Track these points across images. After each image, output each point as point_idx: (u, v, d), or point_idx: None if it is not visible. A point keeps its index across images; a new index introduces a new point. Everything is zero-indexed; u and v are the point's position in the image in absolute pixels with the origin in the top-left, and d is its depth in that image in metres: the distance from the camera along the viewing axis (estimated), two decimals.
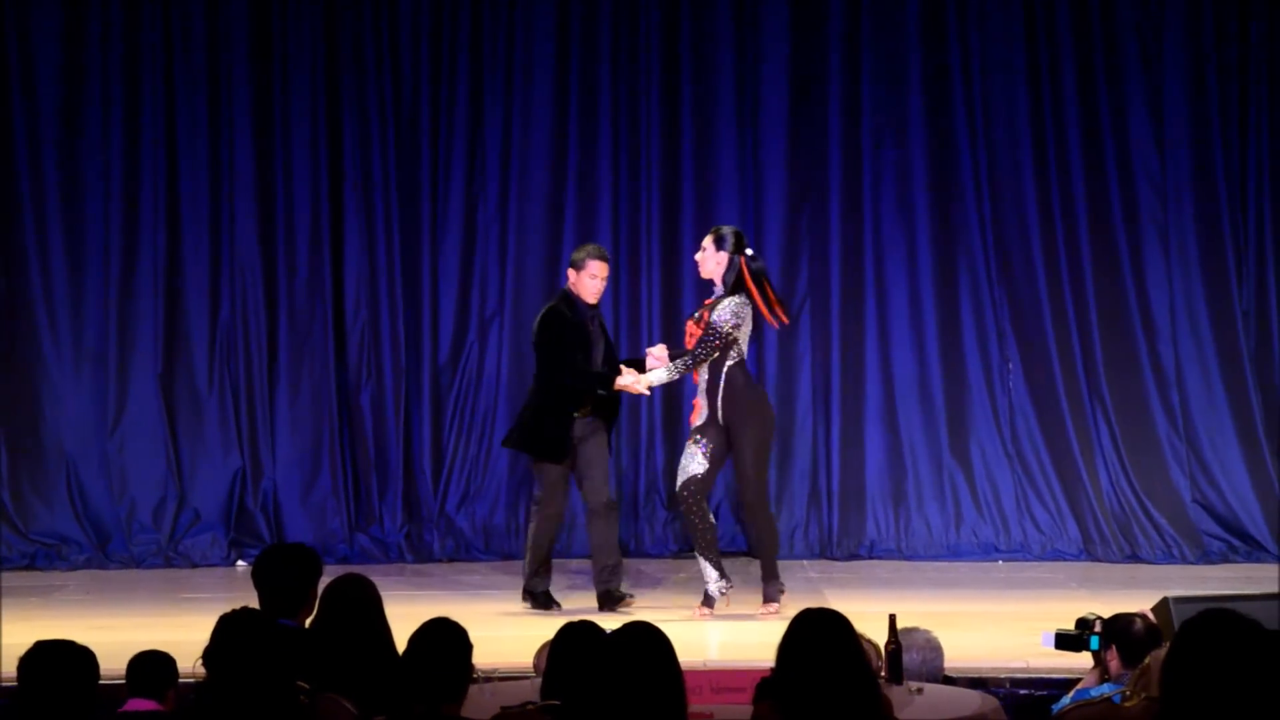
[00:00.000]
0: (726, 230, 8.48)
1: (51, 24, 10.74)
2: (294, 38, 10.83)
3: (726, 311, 8.32)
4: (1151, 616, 5.88)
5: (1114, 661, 5.63)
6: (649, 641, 4.07)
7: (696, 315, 8.52)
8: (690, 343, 8.45)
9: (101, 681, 4.56)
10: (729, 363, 8.33)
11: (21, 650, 4.54)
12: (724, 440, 8.40)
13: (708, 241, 8.44)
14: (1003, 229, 10.89)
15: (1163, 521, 10.61)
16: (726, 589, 8.43)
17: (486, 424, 10.89)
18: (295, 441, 10.87)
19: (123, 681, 5.34)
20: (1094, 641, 5.74)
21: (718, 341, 8.29)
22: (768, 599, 8.42)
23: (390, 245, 10.88)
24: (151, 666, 5.28)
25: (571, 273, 8.77)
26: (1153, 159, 10.83)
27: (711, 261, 8.40)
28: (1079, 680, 5.91)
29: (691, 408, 8.65)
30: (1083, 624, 5.83)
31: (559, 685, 4.80)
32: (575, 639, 4.95)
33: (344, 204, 10.90)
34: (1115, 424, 10.73)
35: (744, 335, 8.38)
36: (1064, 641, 5.87)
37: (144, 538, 10.68)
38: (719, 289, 8.40)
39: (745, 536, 10.29)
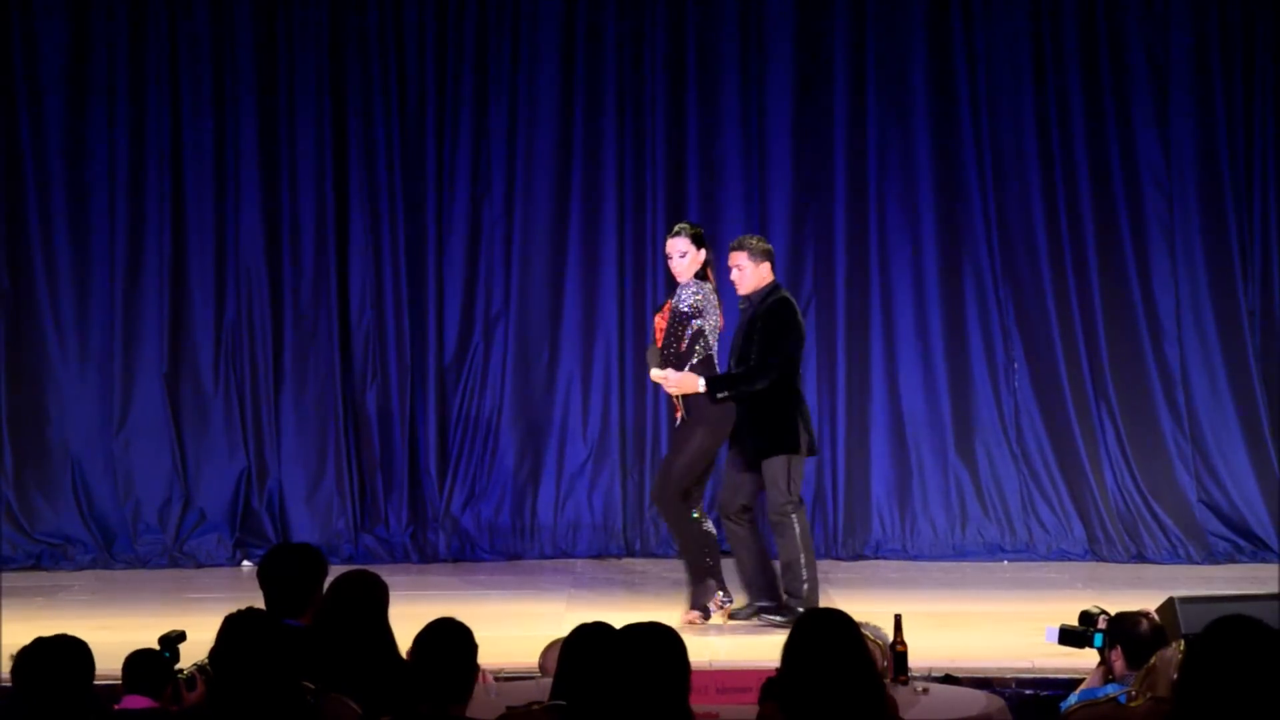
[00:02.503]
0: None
1: (57, 26, 10.74)
2: (299, 38, 10.82)
3: (685, 293, 8.13)
4: (1156, 616, 5.86)
5: (1119, 662, 5.62)
6: (659, 641, 4.07)
7: (660, 308, 8.35)
8: (659, 337, 8.25)
9: (105, 681, 4.57)
10: (692, 360, 8.13)
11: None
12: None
13: (685, 243, 8.18)
14: (1008, 229, 10.88)
15: (1168, 521, 10.61)
16: (725, 601, 8.31)
17: (492, 424, 10.89)
18: (300, 441, 10.87)
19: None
20: (1098, 639, 5.72)
21: (681, 327, 8.09)
22: (693, 605, 8.21)
23: (395, 245, 10.88)
24: (147, 664, 5.28)
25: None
26: (1158, 159, 10.82)
27: (691, 264, 8.21)
28: (1083, 680, 5.90)
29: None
30: (1086, 618, 5.81)
31: (571, 686, 4.79)
32: (589, 640, 4.93)
33: (349, 204, 10.89)
34: (1121, 424, 10.73)
35: (710, 327, 8.17)
36: (1067, 637, 5.85)
37: (149, 538, 10.69)
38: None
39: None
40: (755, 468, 8.22)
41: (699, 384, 8.08)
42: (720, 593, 8.28)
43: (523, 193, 10.93)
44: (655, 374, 8.23)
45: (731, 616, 8.25)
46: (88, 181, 10.81)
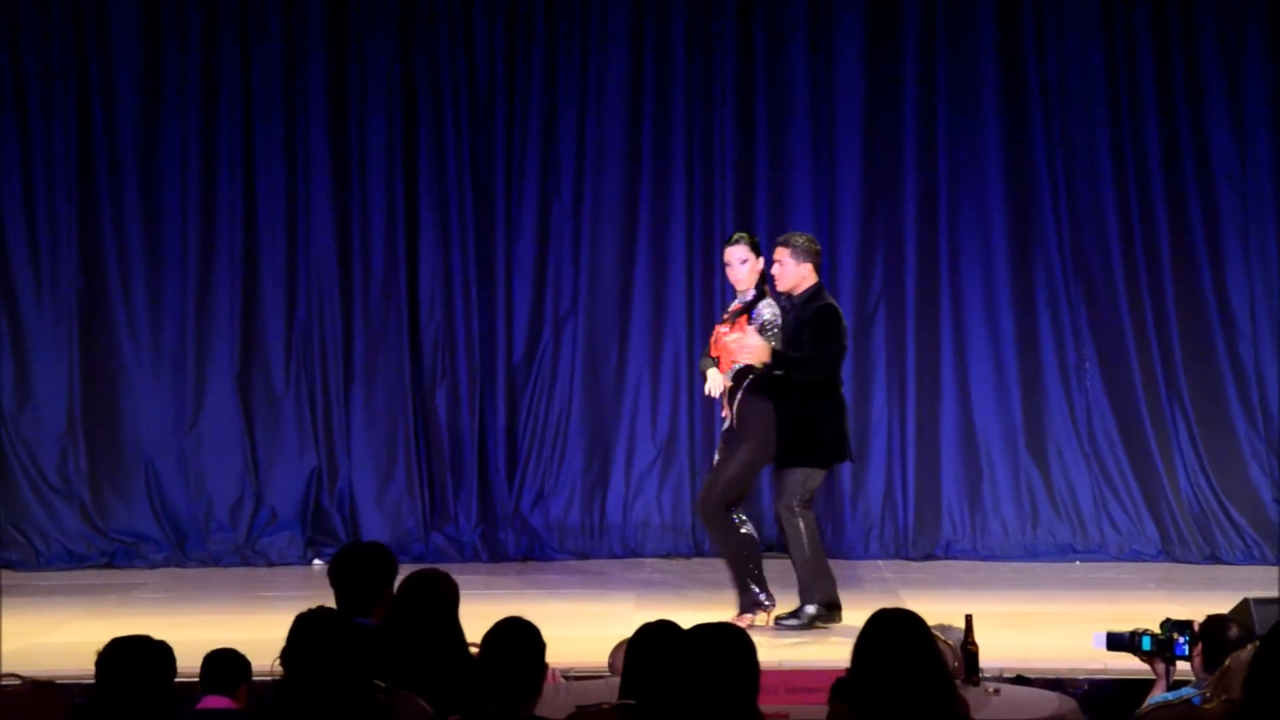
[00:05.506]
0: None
1: (131, 29, 10.82)
2: (369, 37, 10.88)
3: (766, 309, 8.06)
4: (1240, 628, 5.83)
5: (1197, 660, 5.60)
6: (728, 641, 4.07)
7: (729, 319, 8.21)
8: (717, 349, 8.13)
9: (180, 679, 4.59)
10: (752, 373, 8.03)
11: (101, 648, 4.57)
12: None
13: (744, 250, 8.10)
14: (1079, 228, 10.81)
15: (1242, 522, 10.52)
16: (768, 604, 8.17)
17: (561, 423, 10.91)
18: (370, 440, 10.92)
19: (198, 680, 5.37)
20: (1145, 642, 5.72)
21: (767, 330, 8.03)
22: (742, 610, 8.12)
23: (465, 244, 10.91)
24: (225, 664, 5.30)
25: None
26: (1232, 157, 10.73)
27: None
28: (1155, 682, 5.86)
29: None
30: (1174, 626, 5.77)
31: (637, 685, 4.78)
32: (653, 639, 4.93)
33: (419, 203, 10.94)
34: (1194, 423, 10.64)
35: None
36: (1115, 643, 5.85)
37: (221, 536, 10.76)
38: (752, 293, 8.14)
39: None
40: (783, 466, 8.16)
41: (767, 352, 7.91)
42: (763, 595, 8.20)
43: (592, 192, 10.95)
44: (733, 339, 8.00)
45: (778, 622, 8.10)
46: (160, 182, 10.89)
